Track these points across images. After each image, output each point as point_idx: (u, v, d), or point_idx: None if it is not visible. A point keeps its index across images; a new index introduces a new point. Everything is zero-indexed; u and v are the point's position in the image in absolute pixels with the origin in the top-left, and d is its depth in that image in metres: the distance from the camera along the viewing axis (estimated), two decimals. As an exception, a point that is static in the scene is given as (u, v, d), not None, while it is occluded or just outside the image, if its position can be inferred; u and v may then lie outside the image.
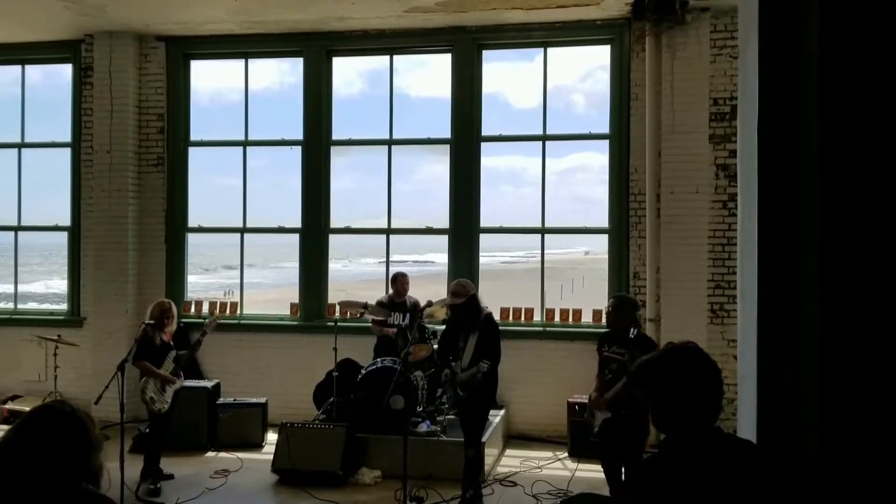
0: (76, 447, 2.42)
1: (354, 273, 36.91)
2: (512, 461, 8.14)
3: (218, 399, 8.73)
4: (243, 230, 10.16)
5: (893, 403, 2.66)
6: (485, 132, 9.55)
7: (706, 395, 2.47)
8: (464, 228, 9.50)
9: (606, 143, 9.23)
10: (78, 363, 9.56)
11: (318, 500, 6.89)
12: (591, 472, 7.35)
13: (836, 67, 2.72)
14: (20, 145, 10.53)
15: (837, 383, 2.69)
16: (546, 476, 7.57)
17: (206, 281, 31.97)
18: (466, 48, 9.42)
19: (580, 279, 36.38)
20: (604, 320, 7.92)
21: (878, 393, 2.66)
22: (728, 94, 8.57)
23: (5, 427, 4.25)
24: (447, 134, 9.60)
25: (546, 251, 9.80)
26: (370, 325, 8.84)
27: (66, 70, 10.55)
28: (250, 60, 10.15)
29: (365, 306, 8.53)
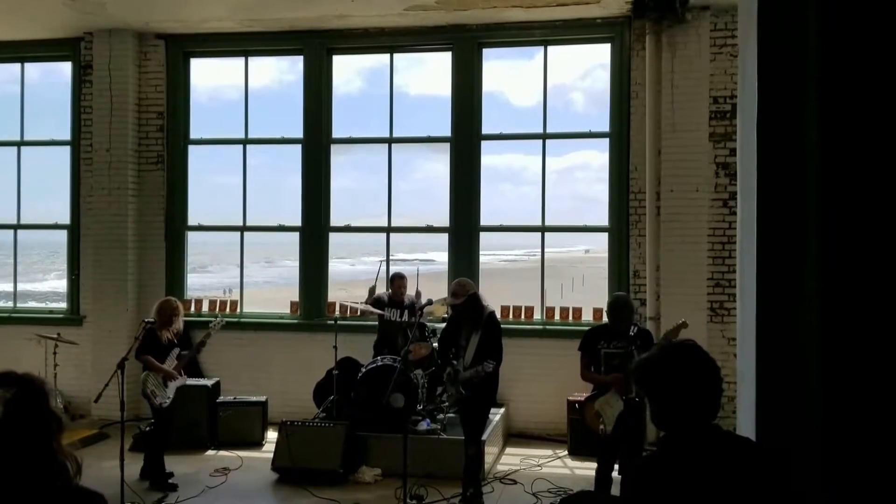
0: (34, 422, 2.09)
1: (355, 272, 36.93)
2: (512, 459, 8.14)
3: (218, 397, 8.74)
4: (243, 228, 10.16)
5: (893, 401, 2.66)
6: (485, 130, 9.55)
7: (704, 392, 2.47)
8: (464, 227, 9.50)
9: (607, 141, 9.23)
10: (77, 362, 9.56)
11: (318, 498, 6.89)
12: (592, 471, 7.32)
13: (836, 65, 2.72)
14: (19, 143, 10.53)
15: (837, 381, 2.69)
16: (546, 474, 7.57)
17: (205, 279, 31.98)
18: (466, 46, 9.42)
19: (580, 278, 36.39)
20: (604, 318, 7.92)
21: (877, 390, 2.66)
22: (728, 93, 8.56)
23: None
24: (447, 132, 9.60)
25: (546, 250, 9.81)
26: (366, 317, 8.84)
27: (64, 68, 10.55)
28: (250, 58, 10.14)
29: (366, 303, 8.57)
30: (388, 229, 9.92)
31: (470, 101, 9.46)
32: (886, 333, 2.66)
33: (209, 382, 8.77)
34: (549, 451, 8.35)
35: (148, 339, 7.04)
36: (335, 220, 9.96)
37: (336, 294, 10.43)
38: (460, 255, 9.53)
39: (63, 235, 10.34)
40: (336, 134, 9.91)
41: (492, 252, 42.80)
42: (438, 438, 7.53)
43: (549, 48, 9.42)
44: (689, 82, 8.60)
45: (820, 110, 2.73)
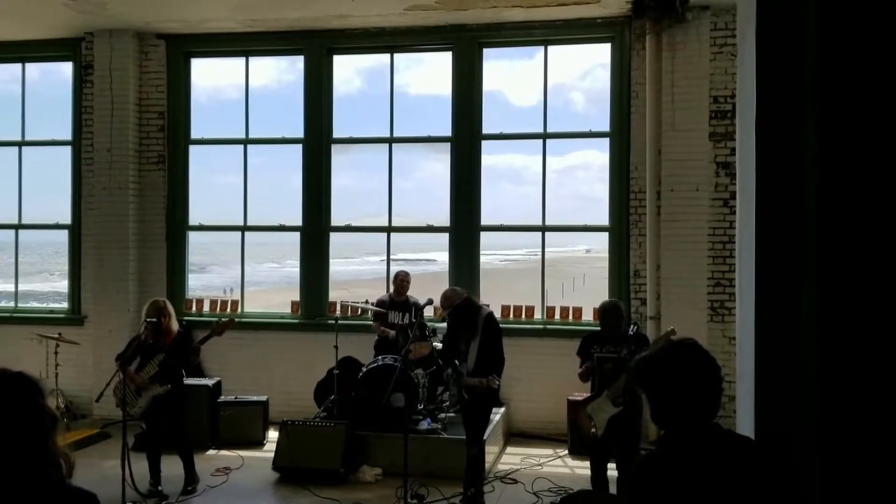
0: (28, 420, 2.07)
1: (356, 272, 36.94)
2: (513, 458, 8.15)
3: (219, 397, 8.75)
4: (244, 228, 10.17)
5: (890, 400, 2.67)
6: (485, 130, 9.55)
7: (704, 391, 2.48)
8: (464, 226, 9.50)
9: (607, 140, 9.24)
10: (79, 361, 9.57)
11: (319, 497, 6.90)
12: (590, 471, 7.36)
13: (834, 65, 2.73)
14: (20, 143, 10.53)
15: (834, 380, 2.70)
16: (547, 473, 7.58)
17: (206, 279, 31.99)
18: (467, 46, 9.42)
19: (581, 277, 36.39)
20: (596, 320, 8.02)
21: (875, 390, 2.67)
22: (728, 92, 8.57)
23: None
24: (446, 132, 9.61)
25: (547, 249, 9.82)
26: (371, 323, 8.84)
27: (63, 68, 10.58)
28: (250, 58, 10.15)
29: (366, 302, 8.56)
30: (389, 229, 9.93)
31: (470, 100, 9.47)
32: (884, 333, 2.67)
33: (210, 382, 8.77)
34: (549, 451, 8.36)
35: (130, 343, 6.89)
36: (336, 220, 9.97)
37: (337, 294, 10.44)
38: (461, 255, 9.54)
39: (64, 235, 10.35)
40: (336, 134, 9.93)
41: (493, 252, 42.85)
42: (439, 438, 7.54)
43: (550, 48, 9.42)
44: (690, 82, 8.61)
45: (818, 110, 2.74)
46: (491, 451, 7.64)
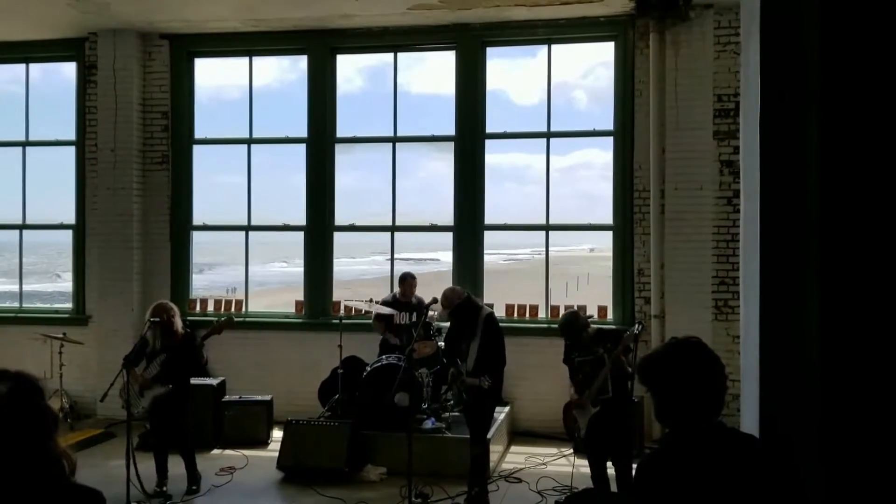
0: (28, 420, 2.07)
1: (360, 271, 36.95)
2: (517, 458, 8.15)
3: (223, 396, 8.75)
4: (248, 228, 10.18)
5: (894, 399, 2.66)
6: (489, 129, 9.55)
7: (708, 389, 2.48)
8: (468, 225, 9.50)
9: (611, 139, 9.23)
10: (83, 361, 9.59)
11: (323, 496, 6.90)
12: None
13: (838, 63, 2.72)
14: (24, 143, 10.55)
15: (839, 378, 2.69)
16: (551, 472, 7.57)
17: (210, 279, 32.03)
18: (470, 45, 9.42)
19: (585, 276, 36.39)
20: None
21: (879, 388, 2.66)
22: (732, 91, 8.55)
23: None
24: (449, 131, 9.61)
25: (550, 248, 9.82)
26: (370, 322, 8.80)
27: (65, 68, 10.59)
28: (254, 58, 10.16)
29: (371, 300, 8.57)
30: (393, 228, 9.93)
31: (474, 99, 9.47)
32: (888, 331, 2.66)
33: (214, 381, 8.78)
34: (553, 450, 8.36)
35: (136, 343, 6.93)
36: (339, 220, 9.98)
37: (341, 294, 10.44)
38: (465, 254, 9.53)
39: (68, 235, 10.37)
40: (340, 133, 9.93)
41: (496, 251, 42.85)
42: (443, 437, 7.54)
43: (553, 46, 9.42)
44: (693, 80, 8.60)
45: (822, 108, 2.74)
46: (495, 449, 7.64)
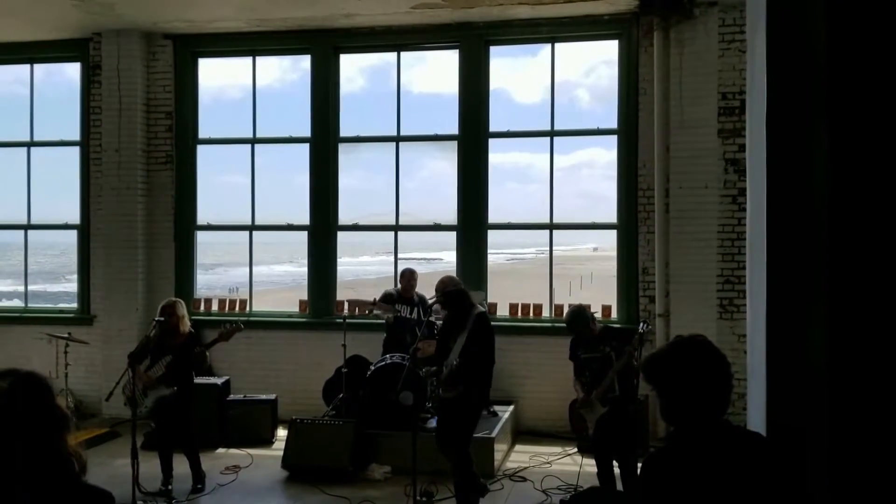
0: (39, 419, 2.07)
1: (364, 271, 36.97)
2: (521, 456, 8.14)
3: (228, 396, 8.77)
4: (252, 227, 10.19)
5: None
6: (492, 128, 9.54)
7: (714, 387, 2.48)
8: (472, 224, 9.49)
9: (614, 138, 9.21)
10: (88, 361, 9.61)
11: (328, 495, 6.90)
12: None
13: (844, 61, 2.71)
14: (29, 144, 10.57)
15: (846, 377, 2.68)
16: (556, 471, 7.57)
17: (214, 278, 32.06)
18: (473, 44, 9.41)
19: (589, 276, 36.36)
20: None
21: (886, 386, 2.65)
22: (737, 89, 8.53)
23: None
24: (453, 130, 9.60)
25: (554, 247, 9.80)
26: (377, 314, 8.78)
27: (69, 68, 10.59)
28: (257, 58, 10.16)
29: (373, 302, 8.54)
30: (396, 227, 9.93)
31: (477, 98, 9.46)
32: (895, 328, 2.65)
33: (219, 381, 8.80)
34: (558, 448, 8.35)
35: (141, 342, 6.94)
36: (343, 219, 9.98)
37: (345, 293, 10.45)
38: (468, 253, 9.52)
39: (73, 236, 10.39)
40: (343, 133, 9.92)
41: (500, 251, 42.85)
42: (448, 436, 7.52)
43: (556, 45, 9.40)
44: (698, 78, 8.58)
45: (829, 105, 2.73)
46: (500, 448, 7.64)
